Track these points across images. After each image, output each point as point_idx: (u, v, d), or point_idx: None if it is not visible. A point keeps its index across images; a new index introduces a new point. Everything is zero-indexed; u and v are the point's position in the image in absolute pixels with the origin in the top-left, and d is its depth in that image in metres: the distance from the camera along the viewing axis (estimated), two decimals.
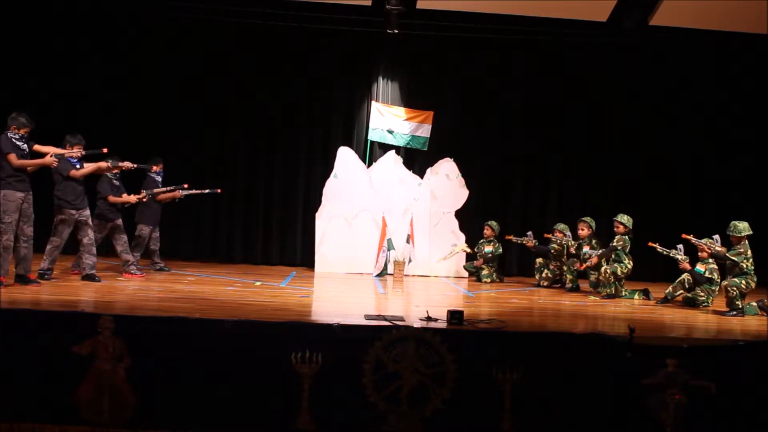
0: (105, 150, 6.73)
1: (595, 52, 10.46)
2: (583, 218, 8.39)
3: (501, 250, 9.53)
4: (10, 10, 9.61)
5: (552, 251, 8.87)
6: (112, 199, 7.44)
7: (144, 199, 7.82)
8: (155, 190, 8.20)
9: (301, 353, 4.39)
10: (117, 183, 7.63)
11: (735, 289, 6.59)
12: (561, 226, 8.92)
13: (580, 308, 6.78)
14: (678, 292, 7.35)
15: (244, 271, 9.24)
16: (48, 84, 10.04)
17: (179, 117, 10.42)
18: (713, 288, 7.13)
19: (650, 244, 7.51)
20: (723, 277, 6.99)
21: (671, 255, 7.40)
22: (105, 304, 5.42)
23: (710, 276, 7.10)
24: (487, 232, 9.53)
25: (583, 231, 8.32)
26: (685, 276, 7.27)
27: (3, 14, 9.58)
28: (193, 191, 8.82)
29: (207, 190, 9.01)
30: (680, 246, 7.41)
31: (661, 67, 10.65)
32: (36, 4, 9.78)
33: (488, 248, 9.43)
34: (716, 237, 7.04)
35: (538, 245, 9.18)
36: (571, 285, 8.45)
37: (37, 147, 6.22)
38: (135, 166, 7.35)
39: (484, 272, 9.36)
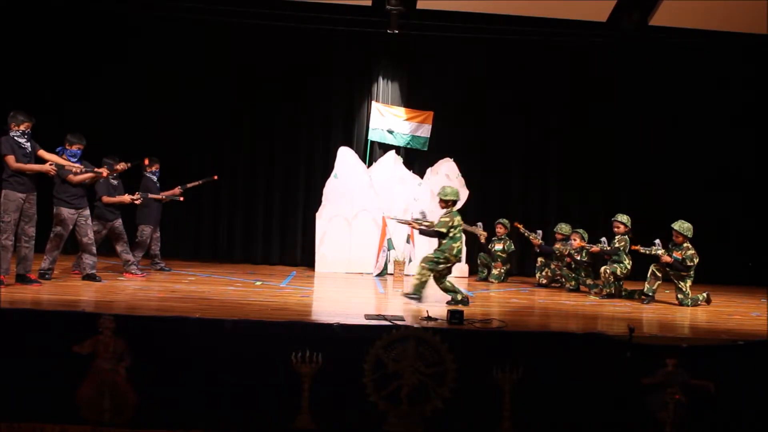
0: (105, 174, 6.90)
1: (595, 52, 10.47)
2: (576, 230, 8.56)
3: (513, 246, 9.56)
4: (9, 10, 9.63)
5: (556, 252, 8.87)
6: (105, 199, 7.41)
7: (137, 202, 7.79)
8: (150, 195, 8.15)
9: (301, 353, 4.40)
10: (115, 183, 7.62)
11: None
12: (564, 228, 8.92)
13: (580, 308, 6.79)
14: (655, 286, 7.53)
15: (244, 271, 9.24)
16: (46, 84, 10.05)
17: (179, 117, 10.41)
18: (691, 273, 7.43)
19: (633, 247, 7.63)
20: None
21: (652, 253, 7.56)
22: (106, 304, 5.41)
23: (691, 264, 7.36)
24: (499, 230, 9.51)
25: (576, 242, 8.45)
26: (652, 267, 7.53)
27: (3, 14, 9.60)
28: (191, 183, 8.81)
29: (202, 181, 9.00)
30: (657, 241, 7.60)
31: (661, 67, 10.64)
32: (35, 4, 9.78)
33: (498, 246, 9.43)
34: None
35: (544, 245, 9.18)
36: (571, 285, 8.46)
37: (41, 153, 6.19)
38: (128, 165, 7.32)
39: (495, 272, 9.37)
